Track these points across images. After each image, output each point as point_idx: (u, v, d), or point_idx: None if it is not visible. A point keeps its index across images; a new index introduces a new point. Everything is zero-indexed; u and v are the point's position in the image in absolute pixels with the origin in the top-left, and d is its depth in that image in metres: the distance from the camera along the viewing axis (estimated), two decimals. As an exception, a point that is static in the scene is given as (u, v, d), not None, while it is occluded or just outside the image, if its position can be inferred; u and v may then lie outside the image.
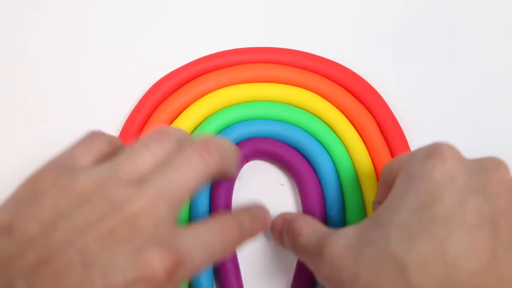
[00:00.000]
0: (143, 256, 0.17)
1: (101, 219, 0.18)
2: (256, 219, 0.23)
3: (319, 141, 0.28)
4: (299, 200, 0.28)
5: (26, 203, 0.19)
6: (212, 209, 0.27)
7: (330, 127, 0.28)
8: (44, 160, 0.20)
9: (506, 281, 0.17)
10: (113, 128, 0.30)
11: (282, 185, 0.29)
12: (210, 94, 0.29)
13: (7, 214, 0.18)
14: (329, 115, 0.29)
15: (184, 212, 0.27)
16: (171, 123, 0.29)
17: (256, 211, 0.23)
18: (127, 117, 0.29)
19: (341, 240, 0.20)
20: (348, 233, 0.20)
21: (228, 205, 0.27)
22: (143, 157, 0.20)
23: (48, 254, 0.17)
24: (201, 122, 0.28)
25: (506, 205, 0.18)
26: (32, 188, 0.19)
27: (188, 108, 0.29)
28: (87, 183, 0.19)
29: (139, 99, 0.30)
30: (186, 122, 0.28)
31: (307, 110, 0.29)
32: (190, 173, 0.20)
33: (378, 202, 0.24)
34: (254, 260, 0.28)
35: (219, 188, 0.27)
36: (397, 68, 0.32)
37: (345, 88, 0.30)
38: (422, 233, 0.18)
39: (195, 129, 0.28)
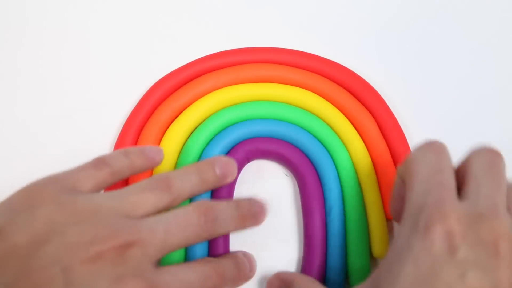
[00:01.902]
0: (123, 285, 0.18)
1: (93, 241, 0.18)
2: (240, 269, 0.23)
3: (319, 140, 0.28)
4: (299, 200, 0.28)
5: (21, 211, 0.19)
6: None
7: (330, 127, 0.29)
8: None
9: None
10: (113, 128, 0.29)
11: (287, 175, 0.29)
12: (210, 94, 0.29)
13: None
14: (329, 115, 0.29)
15: None
16: (171, 123, 0.28)
17: (242, 261, 0.24)
18: (127, 117, 0.29)
19: None
20: None
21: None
22: (146, 198, 0.21)
23: (32, 266, 0.17)
24: (201, 122, 0.28)
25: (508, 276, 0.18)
26: (30, 197, 0.19)
27: (188, 108, 0.29)
28: (87, 205, 0.20)
29: (139, 99, 0.30)
30: (186, 122, 0.28)
31: (307, 110, 0.29)
32: (185, 228, 0.21)
33: (394, 212, 0.23)
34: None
35: (220, 189, 0.27)
36: (397, 68, 0.32)
37: (345, 88, 0.30)
38: None
39: (195, 129, 0.28)
